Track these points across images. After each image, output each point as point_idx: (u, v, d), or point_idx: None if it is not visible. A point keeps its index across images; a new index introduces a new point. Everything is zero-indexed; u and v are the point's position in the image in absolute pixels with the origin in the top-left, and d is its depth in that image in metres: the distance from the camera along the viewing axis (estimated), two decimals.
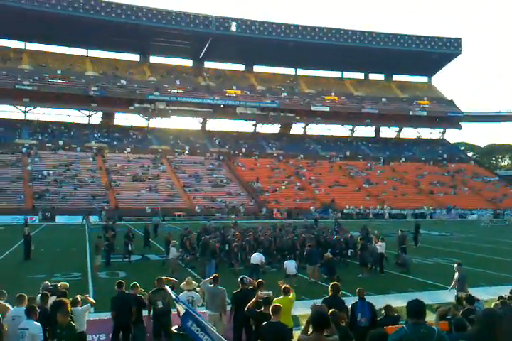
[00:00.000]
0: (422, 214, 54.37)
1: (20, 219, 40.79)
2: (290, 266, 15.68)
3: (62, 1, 66.05)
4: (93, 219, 44.30)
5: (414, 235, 27.84)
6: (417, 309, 4.93)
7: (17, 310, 7.77)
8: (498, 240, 30.95)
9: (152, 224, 32.91)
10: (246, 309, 8.24)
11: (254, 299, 8.26)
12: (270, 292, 8.51)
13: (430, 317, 10.06)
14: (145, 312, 9.54)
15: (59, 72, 67.74)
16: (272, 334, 6.35)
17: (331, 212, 52.05)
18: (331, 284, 8.86)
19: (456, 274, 12.47)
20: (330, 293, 8.65)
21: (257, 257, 16.41)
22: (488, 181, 70.94)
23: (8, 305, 8.26)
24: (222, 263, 19.10)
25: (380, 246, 18.86)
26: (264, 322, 6.87)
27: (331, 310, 7.07)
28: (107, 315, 10.38)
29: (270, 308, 6.86)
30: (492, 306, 8.41)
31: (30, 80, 63.77)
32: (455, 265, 12.80)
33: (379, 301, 10.01)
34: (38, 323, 6.99)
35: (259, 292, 8.44)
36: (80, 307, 8.39)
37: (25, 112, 67.78)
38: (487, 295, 12.78)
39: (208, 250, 17.83)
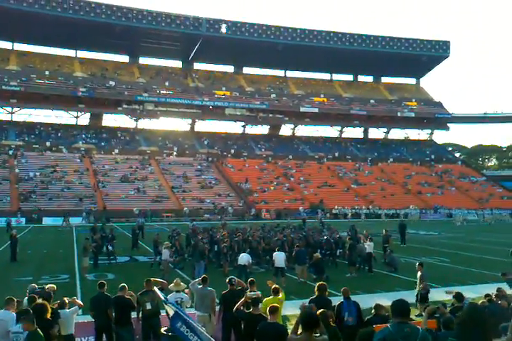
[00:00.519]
0: (397, 214, 53.67)
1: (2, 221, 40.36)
2: (279, 257, 15.75)
3: (52, 2, 65.58)
4: (76, 220, 44.04)
5: (401, 235, 27.99)
6: (401, 308, 4.95)
7: (4, 313, 7.69)
8: (484, 239, 31.17)
9: (136, 225, 32.76)
10: (235, 309, 8.21)
11: (242, 299, 8.24)
12: (259, 292, 8.50)
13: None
14: (134, 314, 9.49)
15: (47, 72, 67.26)
16: (270, 334, 6.34)
17: (319, 213, 52.23)
18: (317, 284, 8.87)
19: (419, 273, 12.64)
20: (316, 293, 8.66)
21: (244, 257, 16.42)
22: (475, 181, 71.59)
23: None
24: (211, 264, 19.09)
25: (369, 246, 18.98)
26: (262, 323, 6.86)
27: (320, 310, 7.08)
28: None
29: (268, 309, 6.83)
30: (479, 303, 8.50)
31: (18, 81, 63.24)
32: (416, 264, 12.95)
33: (367, 300, 10.04)
34: (12, 313, 7.05)
35: (248, 292, 8.42)
36: (68, 310, 8.33)
37: (11, 113, 67.20)
38: (475, 294, 12.90)
39: (197, 251, 17.81)
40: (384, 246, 21.63)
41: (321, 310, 7.09)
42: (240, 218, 49.77)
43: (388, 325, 4.92)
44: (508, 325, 7.28)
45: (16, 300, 7.98)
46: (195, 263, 17.33)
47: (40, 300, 7.93)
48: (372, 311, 8.45)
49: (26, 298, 8.98)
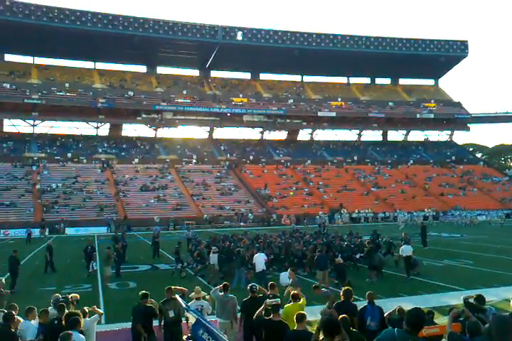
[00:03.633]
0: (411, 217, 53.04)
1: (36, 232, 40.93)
2: (283, 277, 15.70)
3: (70, 16, 66.79)
4: (98, 230, 44.55)
5: (422, 237, 27.71)
6: (414, 319, 4.83)
7: (25, 323, 7.81)
8: (508, 240, 30.65)
9: (154, 234, 33.01)
10: (255, 317, 8.19)
11: (262, 306, 8.21)
12: (278, 299, 8.46)
13: (440, 320, 10.02)
14: (156, 323, 9.53)
15: (67, 85, 68.30)
16: None
17: (339, 217, 52.27)
18: (343, 289, 8.81)
19: None
20: (342, 298, 8.61)
21: (259, 258, 16.46)
22: (497, 181, 70.52)
23: (20, 318, 8.28)
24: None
25: (403, 249, 18.75)
26: (290, 331, 6.83)
27: (341, 316, 7.02)
28: (117, 326, 10.42)
29: (295, 317, 6.78)
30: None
31: (39, 94, 64.29)
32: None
33: (389, 304, 9.93)
34: (82, 336, 7.02)
35: (268, 300, 8.39)
36: (88, 319, 8.39)
37: (33, 126, 68.32)
38: (499, 296, 12.70)
39: (238, 258, 17.86)
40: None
41: (342, 315, 7.04)
42: (261, 224, 49.79)
43: (396, 329, 4.83)
44: None
45: (36, 309, 8.11)
46: (236, 270, 17.37)
47: (72, 310, 8.06)
48: (396, 313, 8.38)
49: (51, 307, 9.10)
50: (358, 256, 20.20)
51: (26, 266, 23.76)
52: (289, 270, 12.83)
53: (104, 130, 72.52)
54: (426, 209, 54.69)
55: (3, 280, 13.09)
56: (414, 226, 41.76)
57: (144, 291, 9.54)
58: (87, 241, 22.32)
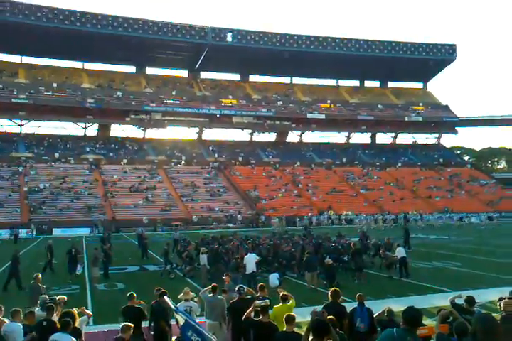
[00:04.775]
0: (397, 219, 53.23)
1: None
2: (271, 279, 15.72)
3: (59, 15, 66.35)
4: (85, 231, 44.25)
5: (405, 239, 27.84)
6: (411, 317, 4.91)
7: (12, 325, 7.75)
8: (496, 242, 30.91)
9: (136, 234, 32.98)
10: (244, 318, 8.18)
11: (251, 308, 8.21)
12: (267, 300, 8.47)
13: (428, 321, 10.09)
14: (145, 324, 9.49)
15: (55, 85, 67.83)
16: None
17: (326, 219, 52.44)
18: (331, 290, 8.83)
19: None
20: (330, 299, 8.63)
21: (251, 257, 16.52)
22: (484, 184, 71.13)
23: (6, 319, 8.21)
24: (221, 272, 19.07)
25: (398, 251, 18.94)
26: (279, 332, 6.83)
27: (328, 317, 7.04)
28: (106, 327, 10.36)
29: (284, 318, 6.79)
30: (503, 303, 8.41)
31: (27, 94, 63.80)
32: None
33: (378, 306, 9.96)
34: (73, 338, 7.02)
35: (257, 300, 8.40)
36: (78, 321, 8.33)
37: (21, 125, 67.78)
38: (487, 297, 12.80)
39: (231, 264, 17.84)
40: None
41: (329, 317, 7.07)
42: (250, 225, 49.87)
43: (394, 328, 4.89)
44: None
45: (21, 310, 8.07)
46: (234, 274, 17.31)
47: (67, 310, 8.05)
48: (385, 315, 8.42)
49: (37, 308, 9.04)
50: (345, 258, 20.24)
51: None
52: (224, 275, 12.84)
53: (92, 130, 72.29)
54: (410, 212, 54.62)
55: (40, 275, 13.35)
56: (373, 230, 41.62)
57: (130, 292, 9.50)
58: (72, 243, 21.95)
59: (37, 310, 8.89)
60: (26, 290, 15.22)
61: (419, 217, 52.42)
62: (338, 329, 7.12)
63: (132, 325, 7.61)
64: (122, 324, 7.48)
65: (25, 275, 20.23)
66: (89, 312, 9.27)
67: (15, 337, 7.68)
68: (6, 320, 8.18)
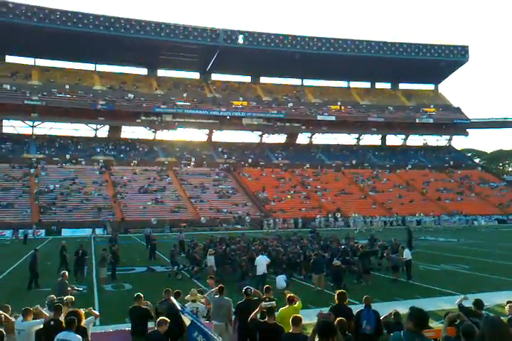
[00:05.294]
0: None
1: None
2: (278, 280, 15.69)
3: (72, 18, 66.85)
4: (98, 231, 44.60)
5: (408, 241, 27.72)
6: (418, 318, 4.89)
7: (25, 323, 7.85)
8: (505, 245, 30.67)
9: (144, 235, 33.13)
10: (249, 319, 8.18)
11: (257, 309, 8.21)
12: (273, 302, 8.46)
13: (435, 324, 10.02)
14: (150, 324, 9.51)
15: (67, 87, 68.30)
16: None
17: (334, 221, 52.28)
18: (337, 292, 8.83)
19: None
20: (336, 302, 8.61)
21: (262, 259, 16.51)
22: (495, 187, 70.59)
23: (13, 319, 8.28)
24: (230, 275, 19.11)
25: (405, 253, 18.88)
26: (285, 334, 6.82)
27: (338, 319, 7.04)
28: (113, 328, 10.41)
29: (291, 320, 6.78)
30: (507, 307, 8.35)
31: (39, 95, 64.30)
32: None
33: (385, 308, 9.92)
34: (78, 335, 7.09)
35: (263, 303, 8.40)
36: (84, 320, 8.37)
37: (33, 127, 68.31)
38: (495, 301, 12.71)
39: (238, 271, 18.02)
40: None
41: (339, 318, 7.05)
42: (257, 227, 49.81)
43: (402, 331, 4.87)
44: None
45: (32, 310, 8.15)
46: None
47: (72, 309, 8.15)
48: (392, 317, 8.40)
49: (45, 308, 9.10)
50: (354, 261, 20.17)
51: (22, 267, 23.72)
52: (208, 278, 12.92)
53: (103, 132, 72.57)
54: (417, 214, 54.02)
55: (67, 273, 13.92)
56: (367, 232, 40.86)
57: (137, 293, 9.53)
58: (79, 244, 21.86)
59: (45, 310, 8.96)
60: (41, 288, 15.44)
61: (417, 219, 51.91)
62: (346, 332, 7.10)
63: (169, 320, 7.80)
64: (160, 318, 7.77)
65: (27, 275, 20.50)
66: (97, 312, 9.32)
67: (30, 335, 7.76)
68: (13, 319, 8.26)
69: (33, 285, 17.77)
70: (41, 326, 7.88)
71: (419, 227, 48.30)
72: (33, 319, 8.11)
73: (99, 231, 45.14)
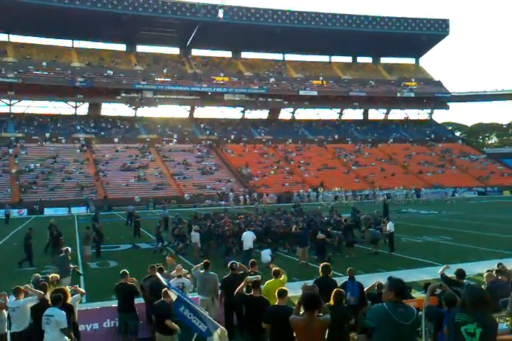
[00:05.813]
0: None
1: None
2: (264, 255, 15.85)
3: None
4: (79, 210, 44.28)
5: (384, 214, 28.07)
6: (400, 288, 4.96)
7: (17, 302, 7.96)
8: (487, 217, 31.24)
9: (127, 213, 33.11)
10: (235, 293, 8.26)
11: (243, 283, 8.28)
12: (259, 275, 8.54)
13: (417, 294, 10.22)
14: (138, 300, 9.59)
15: (44, 63, 66.74)
16: (280, 318, 6.37)
17: (317, 196, 52.38)
18: (322, 265, 8.92)
19: None
20: (321, 274, 8.71)
21: (249, 235, 16.65)
22: (475, 159, 71.49)
23: (1, 299, 8.27)
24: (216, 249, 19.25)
25: (389, 226, 19.09)
26: (271, 306, 6.90)
27: (335, 289, 7.16)
28: (99, 305, 10.45)
29: (276, 292, 6.86)
30: (485, 276, 8.58)
31: (15, 73, 62.81)
32: None
33: (368, 280, 10.08)
34: (63, 311, 7.16)
35: (248, 276, 8.47)
36: (70, 298, 8.38)
37: (10, 105, 66.97)
38: (476, 270, 12.99)
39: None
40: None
41: (336, 289, 7.19)
42: (242, 203, 49.88)
43: (384, 303, 4.93)
44: (508, 300, 7.33)
45: (23, 288, 8.20)
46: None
47: (58, 287, 8.19)
48: (376, 288, 8.54)
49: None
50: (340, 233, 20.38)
51: (5, 246, 23.61)
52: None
53: (82, 109, 71.55)
54: (396, 188, 54.18)
55: (70, 248, 14.03)
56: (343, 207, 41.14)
57: (123, 270, 9.54)
58: (53, 224, 21.29)
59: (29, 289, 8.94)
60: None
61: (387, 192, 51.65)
62: (343, 302, 7.22)
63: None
64: (164, 290, 7.81)
65: (9, 255, 20.40)
66: (82, 290, 9.34)
67: (26, 312, 7.89)
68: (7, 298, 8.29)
69: (27, 264, 17.59)
70: (35, 302, 7.95)
71: (389, 201, 48.51)
72: (24, 297, 8.14)
73: (82, 209, 44.81)
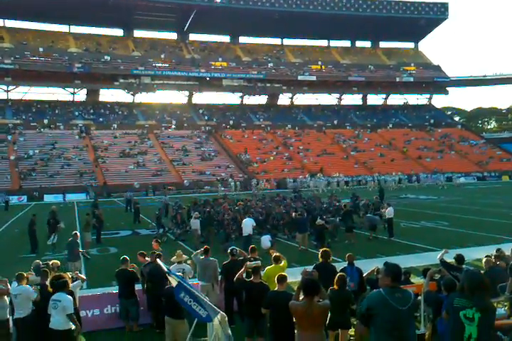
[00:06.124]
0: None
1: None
2: (263, 240, 15.91)
3: None
4: (78, 197, 44.32)
5: (380, 199, 28.06)
6: (396, 274, 4.97)
7: (22, 288, 7.96)
8: (484, 202, 31.34)
9: (125, 199, 33.17)
10: (235, 279, 8.31)
11: (243, 269, 8.33)
12: (259, 261, 8.58)
13: (416, 280, 10.29)
14: (138, 286, 9.66)
15: (41, 49, 66.21)
16: (280, 303, 6.41)
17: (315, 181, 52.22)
18: (321, 250, 8.95)
19: None
20: (320, 260, 8.75)
21: (248, 221, 16.70)
22: (474, 144, 71.46)
23: (2, 286, 8.30)
24: (215, 235, 19.30)
25: (389, 211, 19.12)
26: (271, 292, 6.95)
27: (338, 274, 7.22)
28: (99, 291, 10.51)
29: (276, 278, 6.92)
30: (484, 261, 8.63)
31: (12, 59, 62.34)
32: None
33: (368, 265, 10.14)
34: (70, 297, 7.28)
35: (248, 262, 8.52)
36: (71, 284, 8.43)
37: (7, 91, 66.62)
38: (474, 256, 13.07)
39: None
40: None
41: (339, 273, 7.25)
42: (241, 189, 49.87)
43: (380, 289, 4.95)
44: (506, 285, 7.39)
45: (26, 274, 8.23)
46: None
47: (58, 274, 8.22)
48: (375, 274, 8.58)
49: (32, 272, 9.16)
50: (337, 219, 20.45)
51: (5, 233, 23.69)
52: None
53: (80, 95, 71.23)
54: (393, 173, 54.05)
55: (78, 233, 14.58)
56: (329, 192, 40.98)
57: (123, 256, 9.60)
58: (54, 211, 20.95)
59: (31, 275, 9.00)
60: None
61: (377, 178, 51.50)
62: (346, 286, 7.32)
63: None
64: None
65: (10, 241, 20.46)
66: (83, 276, 9.38)
67: (30, 297, 7.91)
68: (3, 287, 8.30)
69: (29, 250, 17.70)
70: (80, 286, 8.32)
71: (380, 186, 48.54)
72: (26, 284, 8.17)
73: (80, 196, 44.87)
